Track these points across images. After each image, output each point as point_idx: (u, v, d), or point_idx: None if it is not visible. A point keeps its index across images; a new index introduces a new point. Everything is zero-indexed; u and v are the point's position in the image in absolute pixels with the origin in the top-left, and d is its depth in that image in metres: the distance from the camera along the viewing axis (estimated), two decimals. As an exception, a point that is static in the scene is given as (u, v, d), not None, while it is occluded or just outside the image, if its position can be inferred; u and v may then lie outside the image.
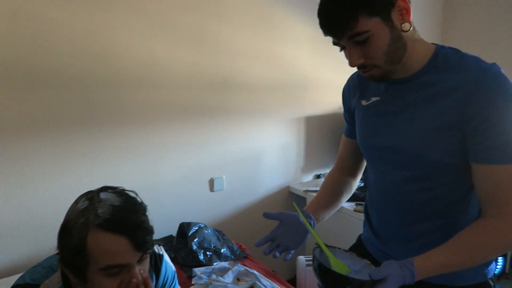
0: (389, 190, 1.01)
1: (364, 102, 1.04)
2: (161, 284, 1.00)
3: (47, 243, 1.75)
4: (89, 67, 1.72)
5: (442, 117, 0.87)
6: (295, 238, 1.03)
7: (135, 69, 1.85)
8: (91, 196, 0.82)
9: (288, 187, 2.65)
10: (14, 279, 1.47)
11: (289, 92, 2.51)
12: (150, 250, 0.83)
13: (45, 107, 1.64)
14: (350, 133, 1.17)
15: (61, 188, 1.73)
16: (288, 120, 2.55)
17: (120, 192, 0.84)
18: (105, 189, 0.84)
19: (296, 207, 1.01)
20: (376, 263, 0.99)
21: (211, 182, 2.25)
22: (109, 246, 0.76)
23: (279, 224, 1.05)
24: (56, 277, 0.87)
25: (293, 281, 2.36)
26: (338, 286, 0.81)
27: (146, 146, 1.96)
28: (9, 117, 1.57)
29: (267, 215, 1.05)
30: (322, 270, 0.83)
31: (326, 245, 0.92)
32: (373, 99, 1.01)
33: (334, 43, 0.90)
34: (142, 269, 0.82)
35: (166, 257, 1.05)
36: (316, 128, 2.72)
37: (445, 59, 0.90)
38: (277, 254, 1.01)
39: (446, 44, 0.95)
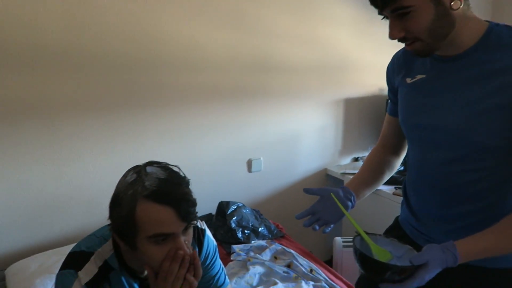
0: (430, 171, 0.99)
1: (409, 80, 1.01)
2: (203, 257, 1.05)
3: (95, 216, 1.86)
4: (133, 51, 1.78)
5: (491, 98, 0.84)
6: (334, 213, 1.03)
7: (177, 52, 1.90)
8: (138, 170, 0.86)
9: (325, 169, 2.64)
10: (67, 248, 1.60)
11: (329, 74, 2.48)
12: (194, 222, 0.86)
13: (93, 89, 1.73)
14: (394, 111, 1.14)
15: (108, 166, 1.83)
16: (327, 102, 2.53)
17: (164, 167, 0.89)
18: (150, 163, 0.89)
19: (334, 197, 1.02)
20: (414, 244, 0.98)
21: (249, 163, 2.29)
22: (156, 215, 0.81)
23: (320, 199, 1.06)
24: (108, 245, 0.93)
25: (329, 262, 2.38)
26: (379, 273, 0.82)
27: (187, 128, 2.02)
28: (61, 99, 1.66)
29: (307, 190, 1.07)
30: (362, 258, 0.84)
31: (367, 233, 0.92)
32: (418, 76, 0.99)
33: (379, 13, 0.88)
34: (187, 240, 0.87)
35: (208, 232, 1.09)
36: (356, 111, 2.68)
37: (499, 37, 0.86)
38: (317, 227, 1.03)
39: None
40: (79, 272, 0.88)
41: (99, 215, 1.84)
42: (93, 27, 1.68)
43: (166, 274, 0.84)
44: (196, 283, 0.87)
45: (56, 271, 0.91)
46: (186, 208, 0.82)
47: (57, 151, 1.70)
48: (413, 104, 1.00)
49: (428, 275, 0.80)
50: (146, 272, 0.96)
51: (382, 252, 0.89)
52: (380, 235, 0.95)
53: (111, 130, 1.81)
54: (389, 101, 1.17)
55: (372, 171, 1.17)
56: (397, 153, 1.19)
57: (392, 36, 0.87)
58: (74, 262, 0.90)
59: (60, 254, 1.55)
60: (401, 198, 1.19)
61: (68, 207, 1.78)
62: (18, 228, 1.67)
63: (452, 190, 0.96)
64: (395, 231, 1.15)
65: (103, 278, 0.90)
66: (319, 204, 1.05)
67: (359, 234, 0.91)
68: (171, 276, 0.84)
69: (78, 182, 1.77)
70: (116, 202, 0.84)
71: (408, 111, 1.02)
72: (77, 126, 1.72)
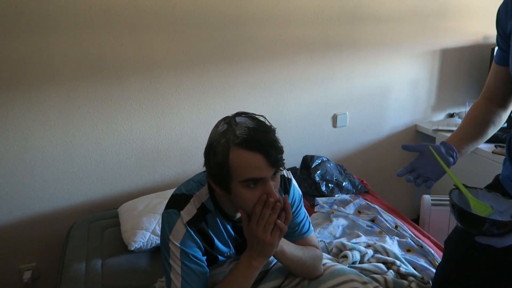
0: None
1: None
2: (290, 203, 1.11)
3: (190, 164, 2.04)
4: (223, 8, 1.83)
5: None
6: (435, 169, 0.99)
7: (264, 6, 1.90)
8: (228, 120, 0.92)
9: (415, 126, 2.51)
10: (167, 193, 1.79)
11: (424, 22, 2.29)
12: (282, 167, 0.92)
13: (187, 46, 1.83)
14: (503, 61, 1.02)
15: (200, 118, 1.96)
16: (421, 53, 2.36)
17: (252, 116, 0.94)
18: (239, 114, 0.95)
19: (434, 152, 0.98)
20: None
21: (334, 118, 2.27)
22: (247, 161, 0.87)
23: (420, 155, 1.02)
24: (204, 189, 1.03)
25: (415, 221, 2.32)
26: (476, 226, 0.80)
27: (273, 81, 2.05)
28: (159, 56, 1.79)
29: (406, 147, 1.05)
30: (458, 211, 0.82)
31: (467, 186, 0.89)
32: None
33: None
34: (275, 186, 0.93)
35: (294, 182, 1.14)
36: (453, 62, 2.46)
37: None
38: (419, 183, 1.00)
39: None
40: (181, 212, 0.99)
41: (193, 164, 2.01)
42: (185, -14, 1.75)
43: (258, 218, 0.92)
44: (286, 228, 0.94)
45: (159, 211, 1.05)
46: (274, 154, 0.87)
47: (157, 105, 1.86)
48: None
49: None
50: (238, 215, 1.05)
51: (482, 206, 0.86)
52: (481, 189, 0.91)
53: (203, 84, 1.91)
54: (497, 48, 1.05)
55: (475, 126, 1.08)
56: (504, 105, 1.08)
57: None
58: (176, 203, 1.02)
59: (162, 197, 1.74)
60: (501, 157, 1.09)
61: (166, 156, 1.96)
62: (126, 173, 1.91)
63: None
64: (495, 189, 1.05)
65: (201, 218, 1.00)
66: (418, 160, 1.02)
67: (457, 188, 0.89)
68: (263, 220, 0.91)
69: (175, 133, 1.94)
70: (211, 151, 0.91)
71: None
72: (174, 81, 1.85)
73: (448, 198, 0.87)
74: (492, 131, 1.09)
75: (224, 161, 0.88)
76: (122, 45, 1.71)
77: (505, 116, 1.10)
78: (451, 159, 1.01)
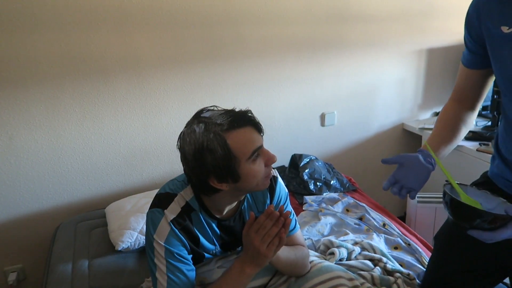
0: None
1: (506, 29, 0.88)
2: (275, 202, 1.11)
3: (178, 163, 2.00)
4: (212, 7, 1.83)
5: None
6: (417, 179, 1.01)
7: (252, 6, 1.90)
8: (198, 120, 0.92)
9: (402, 124, 2.54)
10: (154, 192, 1.77)
11: (410, 22, 2.31)
12: (263, 133, 0.97)
13: (175, 44, 1.82)
14: (472, 63, 1.04)
15: (188, 118, 1.92)
16: (407, 52, 2.38)
17: (210, 109, 0.96)
18: (199, 113, 0.96)
19: (428, 147, 1.01)
20: (509, 197, 0.93)
21: (323, 117, 2.28)
22: (245, 137, 0.90)
23: (399, 167, 1.04)
24: (189, 188, 1.03)
25: (402, 218, 2.35)
26: (469, 220, 0.81)
27: (262, 80, 2.05)
28: (147, 55, 1.78)
29: (385, 161, 1.06)
30: (454, 203, 0.84)
31: (458, 183, 0.91)
32: None
33: None
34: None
35: (280, 180, 1.15)
36: (439, 61, 2.49)
37: None
38: (404, 194, 1.03)
39: None
40: (165, 211, 0.99)
41: (181, 163, 2.00)
42: (172, -16, 1.74)
43: (260, 227, 0.93)
44: (283, 242, 0.95)
45: (147, 211, 1.05)
46: (257, 122, 0.94)
47: (144, 104, 1.85)
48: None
49: None
50: (224, 213, 1.05)
51: (472, 202, 0.87)
52: (471, 186, 0.94)
53: (191, 83, 1.91)
54: (465, 51, 1.05)
55: (449, 129, 1.10)
56: (473, 107, 1.11)
57: None
58: (161, 202, 1.02)
59: (150, 197, 1.72)
60: (486, 155, 1.11)
61: (154, 155, 1.95)
62: (114, 173, 1.89)
63: None
64: (485, 185, 1.06)
65: (186, 216, 1.00)
66: (399, 171, 1.04)
67: (449, 183, 0.91)
68: (263, 230, 0.93)
69: (163, 133, 1.93)
70: (205, 152, 0.88)
71: (507, 64, 0.89)
72: (161, 80, 1.84)
73: (439, 194, 0.89)
74: (464, 133, 1.11)
75: (226, 150, 0.88)
76: (108, 44, 1.70)
77: (474, 118, 1.12)
78: (430, 166, 1.02)
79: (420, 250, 1.46)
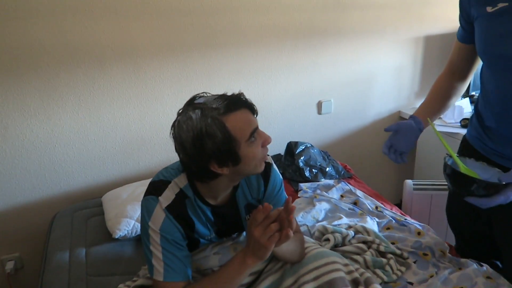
0: None
1: (489, 9, 0.98)
2: (270, 189, 1.12)
3: (174, 152, 1.99)
4: (205, -8, 1.81)
5: None
6: (407, 143, 1.16)
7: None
8: (192, 107, 0.91)
9: (399, 112, 2.54)
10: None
11: (408, 9, 2.30)
12: (257, 115, 0.98)
13: (171, 33, 1.80)
14: (464, 38, 1.15)
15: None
16: (405, 40, 2.37)
17: (202, 95, 0.96)
18: (192, 99, 0.95)
19: (430, 122, 1.12)
20: (489, 161, 1.05)
21: (319, 105, 2.28)
22: (242, 119, 0.91)
23: (394, 133, 1.18)
24: (183, 176, 1.03)
25: (398, 206, 2.36)
26: (465, 186, 0.91)
27: (258, 68, 2.04)
28: (143, 43, 1.77)
29: (387, 129, 1.20)
30: (451, 172, 0.94)
31: (457, 155, 1.00)
32: (501, 5, 0.95)
33: None
34: None
35: (274, 166, 1.15)
36: (436, 49, 2.48)
37: None
38: (393, 157, 1.17)
39: None
40: (160, 198, 0.99)
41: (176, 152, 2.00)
42: (166, -30, 1.72)
43: (262, 221, 0.91)
44: (288, 238, 0.90)
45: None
46: (250, 103, 0.95)
47: (140, 92, 1.84)
48: (495, 34, 0.98)
49: None
50: (218, 199, 1.06)
51: (470, 172, 0.97)
52: (469, 158, 1.03)
53: (187, 71, 1.90)
54: (459, 27, 1.17)
55: (440, 99, 1.24)
56: (464, 78, 1.23)
57: None
58: (155, 189, 1.02)
59: (146, 186, 1.71)
60: None
61: (151, 144, 1.95)
62: (110, 162, 1.89)
63: None
64: (464, 149, 1.24)
65: (180, 203, 1.01)
66: (393, 137, 1.17)
67: (450, 156, 1.01)
68: (268, 220, 0.91)
69: (159, 121, 1.92)
70: (204, 138, 0.88)
71: (489, 41, 1.00)
72: (157, 68, 1.83)
73: (435, 181, 0.98)
74: (454, 102, 1.26)
75: (225, 133, 0.89)
76: (103, 31, 1.68)
77: (464, 88, 1.25)
78: (419, 132, 1.17)
79: (416, 223, 1.51)
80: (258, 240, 0.91)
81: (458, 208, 1.33)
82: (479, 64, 1.19)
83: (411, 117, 1.19)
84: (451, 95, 1.23)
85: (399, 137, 1.16)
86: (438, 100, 1.24)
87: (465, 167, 0.98)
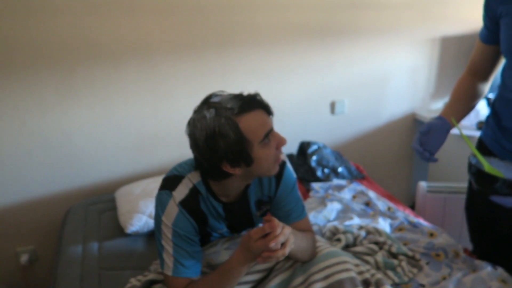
0: None
1: None
2: (283, 188, 1.11)
3: (187, 149, 2.01)
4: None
5: None
6: (436, 143, 1.15)
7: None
8: (207, 106, 0.91)
9: (413, 114, 2.51)
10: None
11: (425, 9, 2.27)
12: (272, 116, 0.97)
13: (186, 30, 1.82)
14: (488, 38, 1.13)
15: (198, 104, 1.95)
16: (421, 40, 2.34)
17: (218, 94, 0.95)
18: (208, 98, 0.95)
19: (454, 122, 1.11)
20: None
21: (332, 105, 2.27)
22: (256, 120, 0.91)
23: (425, 132, 1.15)
24: (196, 172, 1.04)
25: (411, 209, 2.34)
26: (490, 185, 0.92)
27: (272, 67, 2.04)
28: (158, 41, 1.78)
29: (421, 131, 1.18)
30: (476, 171, 0.95)
31: (482, 155, 1.01)
32: None
33: None
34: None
35: (289, 165, 1.15)
36: (453, 50, 2.44)
37: None
38: (427, 156, 1.14)
39: None
40: (173, 192, 1.00)
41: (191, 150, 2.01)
42: (182, -31, 1.73)
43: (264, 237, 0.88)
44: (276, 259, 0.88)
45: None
46: (266, 104, 0.94)
47: (154, 89, 1.86)
48: None
49: None
50: (230, 197, 1.06)
51: (495, 171, 0.97)
52: (494, 156, 1.05)
53: (201, 69, 1.91)
54: (483, 28, 1.15)
55: (464, 100, 1.22)
56: (486, 79, 1.22)
57: None
58: (168, 184, 1.03)
59: (159, 182, 1.70)
60: None
61: (164, 141, 1.97)
62: (124, 157, 1.91)
63: None
64: (479, 150, 1.19)
65: (193, 198, 1.01)
66: (423, 137, 1.15)
67: (475, 156, 1.01)
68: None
69: (172, 118, 1.93)
70: (217, 137, 0.88)
71: None
72: (171, 65, 1.85)
73: (449, 184, 0.97)
74: (478, 102, 1.24)
75: (238, 134, 0.88)
76: (119, 29, 1.70)
77: (487, 88, 1.24)
78: (446, 133, 1.16)
79: (428, 225, 1.49)
80: (252, 250, 0.89)
81: (481, 207, 1.31)
82: (501, 64, 1.18)
83: (438, 117, 1.18)
84: (474, 96, 1.22)
85: (430, 136, 1.15)
86: (462, 101, 1.23)
87: (489, 166, 0.98)
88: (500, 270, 1.21)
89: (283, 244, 0.88)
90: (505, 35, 1.05)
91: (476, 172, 0.96)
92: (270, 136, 0.94)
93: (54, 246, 1.68)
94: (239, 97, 0.92)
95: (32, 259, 1.90)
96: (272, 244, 0.85)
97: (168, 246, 1.00)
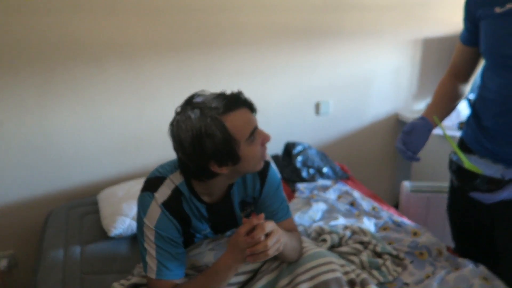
0: None
1: (498, 9, 1.00)
2: (267, 188, 1.11)
3: (171, 151, 1.99)
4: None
5: None
6: (419, 143, 1.17)
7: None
8: (191, 106, 0.90)
9: (396, 114, 2.54)
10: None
11: (408, 11, 2.30)
12: (256, 112, 0.97)
13: (170, 31, 1.80)
14: (469, 40, 1.16)
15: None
16: (404, 42, 2.37)
17: (201, 94, 0.94)
18: (190, 98, 0.94)
19: (437, 121, 1.14)
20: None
21: (317, 106, 2.28)
22: (241, 118, 0.91)
23: (408, 132, 1.18)
24: (178, 173, 1.03)
25: (395, 208, 2.36)
26: (470, 181, 0.95)
27: (257, 68, 2.04)
28: (142, 41, 1.76)
29: (404, 130, 1.20)
30: (456, 168, 0.99)
31: (462, 152, 1.04)
32: (509, 5, 0.97)
33: None
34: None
35: (273, 165, 1.14)
36: (435, 52, 2.48)
37: None
38: (411, 155, 1.16)
39: None
40: (155, 194, 0.99)
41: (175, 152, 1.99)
42: (165, -32, 1.72)
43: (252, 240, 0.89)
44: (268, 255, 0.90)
45: (138, 196, 1.05)
46: (249, 102, 0.94)
47: (138, 90, 1.83)
48: (505, 34, 0.99)
49: None
50: (213, 197, 1.05)
51: (474, 168, 1.00)
52: (474, 154, 1.09)
53: (185, 70, 1.89)
54: (463, 30, 1.17)
55: (446, 101, 1.25)
56: (467, 80, 1.25)
57: None
58: (150, 185, 1.01)
59: (142, 184, 1.72)
60: None
61: (147, 142, 1.94)
62: (107, 160, 1.88)
63: None
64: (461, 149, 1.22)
65: (176, 199, 1.00)
66: (406, 136, 1.18)
67: (455, 152, 1.04)
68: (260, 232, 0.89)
69: (156, 120, 1.91)
70: (203, 137, 0.87)
71: (499, 40, 1.01)
72: (155, 66, 1.83)
73: (432, 183, 1.01)
74: (459, 103, 1.27)
75: (225, 133, 0.88)
76: (102, 29, 1.67)
77: (467, 90, 1.27)
78: (429, 132, 1.18)
79: (412, 224, 1.51)
80: (241, 246, 0.90)
81: (462, 204, 1.34)
82: (481, 66, 1.21)
83: (421, 117, 1.20)
84: (455, 97, 1.25)
85: (413, 136, 1.17)
86: (444, 102, 1.25)
87: (469, 163, 1.00)
88: (482, 268, 1.23)
89: (268, 235, 0.89)
90: (484, 37, 1.07)
91: (456, 169, 0.98)
92: (255, 134, 0.94)
93: (34, 251, 1.64)
94: (222, 96, 0.91)
95: (11, 264, 1.85)
96: (260, 235, 0.87)
97: (151, 249, 0.98)
